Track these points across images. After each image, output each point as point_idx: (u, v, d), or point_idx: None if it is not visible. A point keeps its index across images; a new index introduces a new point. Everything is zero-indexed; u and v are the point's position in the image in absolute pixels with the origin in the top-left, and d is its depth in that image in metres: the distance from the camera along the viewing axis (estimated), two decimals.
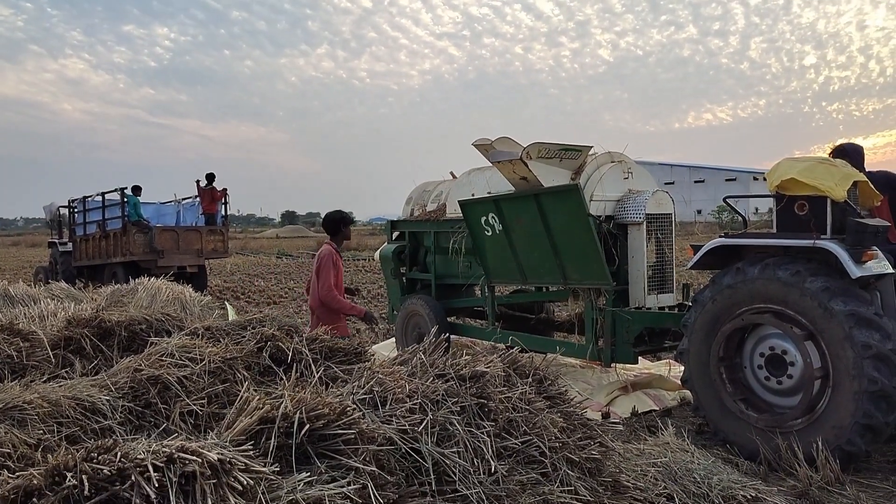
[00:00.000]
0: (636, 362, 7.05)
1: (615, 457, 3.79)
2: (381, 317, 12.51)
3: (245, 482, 2.23)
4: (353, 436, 2.62)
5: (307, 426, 2.56)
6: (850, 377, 4.67)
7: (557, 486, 3.24)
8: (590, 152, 7.14)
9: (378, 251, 9.80)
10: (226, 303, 11.26)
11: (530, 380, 3.69)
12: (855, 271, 4.68)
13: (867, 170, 5.50)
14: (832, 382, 4.79)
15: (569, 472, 3.37)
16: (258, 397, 2.71)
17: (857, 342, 4.61)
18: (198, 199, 18.20)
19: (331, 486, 2.46)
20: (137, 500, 2.03)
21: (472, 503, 2.88)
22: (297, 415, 2.60)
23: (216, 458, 2.18)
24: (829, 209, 4.95)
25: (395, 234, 9.50)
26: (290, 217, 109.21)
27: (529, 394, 3.58)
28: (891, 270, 4.90)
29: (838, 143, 5.69)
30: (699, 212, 51.52)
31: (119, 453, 2.16)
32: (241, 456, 2.32)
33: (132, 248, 16.13)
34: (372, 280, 20.07)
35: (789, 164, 5.09)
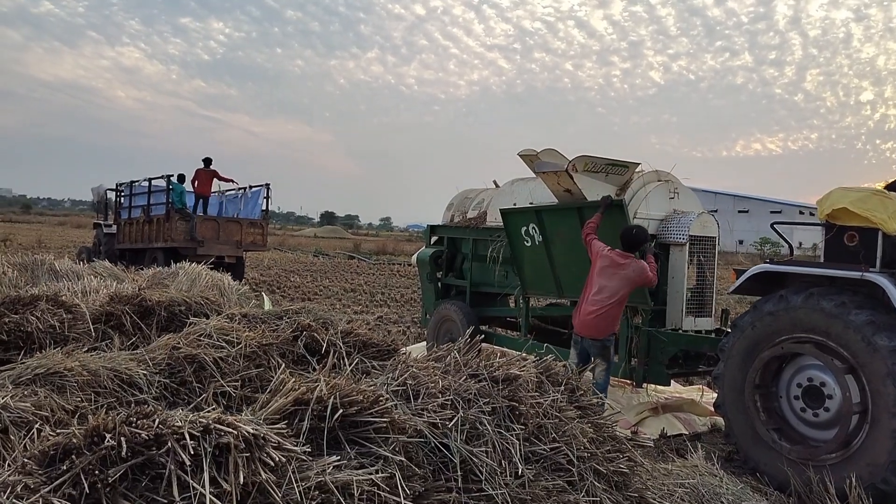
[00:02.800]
0: (668, 384, 6.97)
1: (643, 473, 3.75)
2: (414, 321, 12.57)
3: (277, 459, 2.25)
4: (384, 425, 2.63)
5: (340, 411, 2.58)
6: (890, 415, 4.54)
7: (583, 496, 3.22)
8: (637, 169, 7.09)
9: (415, 254, 9.84)
10: (262, 293, 11.39)
11: (563, 388, 3.67)
12: None
13: None
14: (870, 419, 4.67)
15: (595, 483, 3.34)
16: (294, 380, 2.75)
17: None
18: (241, 191, 18.45)
19: (359, 471, 2.48)
20: (172, 466, 2.07)
21: (496, 502, 2.87)
22: (332, 399, 2.63)
23: (251, 433, 2.21)
24: (879, 241, 4.84)
25: (434, 238, 9.53)
26: (328, 218, 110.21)
27: (561, 402, 3.56)
28: None
29: (892, 179, 5.56)
30: (741, 242, 50.67)
31: (157, 420, 2.20)
32: (275, 434, 2.35)
33: (174, 234, 16.41)
34: (406, 285, 20.15)
35: (842, 193, 4.99)
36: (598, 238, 6.14)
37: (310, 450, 2.50)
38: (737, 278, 5.54)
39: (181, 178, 17.11)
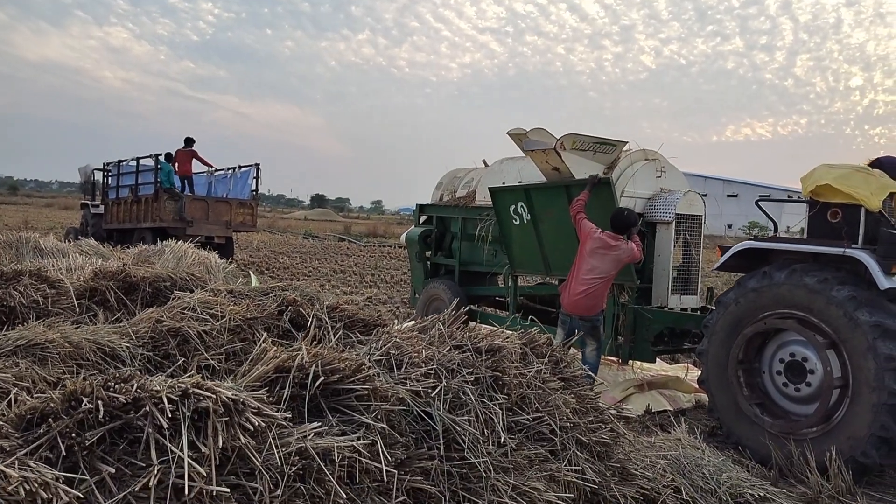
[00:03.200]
0: (654, 361, 7.02)
1: (625, 444, 3.78)
2: (404, 301, 12.57)
3: (257, 424, 2.26)
4: (366, 392, 2.64)
5: (321, 378, 2.59)
6: (871, 389, 4.60)
7: (565, 465, 3.24)
8: (624, 148, 7.09)
9: (404, 234, 9.84)
10: (250, 272, 11.37)
11: (546, 360, 3.69)
12: (884, 282, 4.61)
13: None
14: (851, 393, 4.73)
15: (578, 452, 3.36)
16: (275, 348, 2.75)
17: (881, 354, 4.54)
18: (230, 171, 18.36)
19: (341, 438, 2.49)
20: (150, 430, 2.07)
21: (479, 471, 2.89)
22: (313, 367, 2.63)
23: (230, 398, 2.22)
24: (862, 218, 4.87)
25: (423, 218, 9.52)
26: (319, 200, 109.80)
27: (545, 373, 3.58)
28: None
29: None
30: (730, 226, 50.85)
31: (136, 385, 2.20)
32: (255, 399, 2.35)
33: (162, 214, 16.34)
34: (396, 266, 20.15)
35: (825, 170, 5.02)
36: (587, 216, 6.16)
37: (291, 416, 2.50)
38: (722, 255, 5.57)
39: (169, 157, 17.00)
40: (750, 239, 5.55)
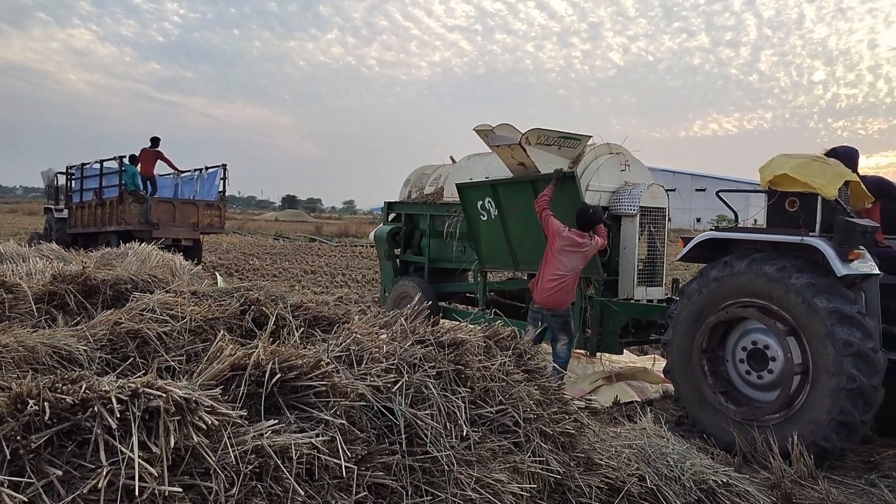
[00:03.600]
0: (621, 353, 7.08)
1: (590, 434, 3.80)
2: (374, 300, 12.51)
3: (210, 422, 2.23)
4: (324, 389, 2.62)
5: (278, 375, 2.56)
6: (830, 374, 4.68)
7: (529, 457, 3.25)
8: (589, 142, 7.14)
9: (373, 232, 9.81)
10: (216, 273, 11.25)
11: (510, 352, 3.69)
12: (840, 269, 4.69)
13: (861, 174, 5.49)
14: (811, 379, 4.81)
15: (541, 444, 3.37)
16: (231, 346, 2.72)
17: (839, 339, 4.62)
18: (197, 171, 18.13)
19: (299, 435, 2.46)
20: (99, 431, 2.04)
21: (442, 465, 2.88)
22: (270, 364, 2.60)
23: (182, 397, 2.18)
24: (819, 207, 4.96)
25: (392, 215, 9.50)
26: (290, 201, 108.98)
27: (508, 365, 3.58)
28: (876, 271, 4.90)
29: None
30: (699, 220, 51.48)
31: (84, 385, 2.16)
32: (208, 398, 2.32)
33: (128, 217, 16.08)
34: (367, 266, 20.07)
35: (783, 160, 5.09)
36: (553, 212, 6.20)
37: (248, 415, 2.47)
38: (684, 246, 5.63)
39: (133, 159, 16.73)
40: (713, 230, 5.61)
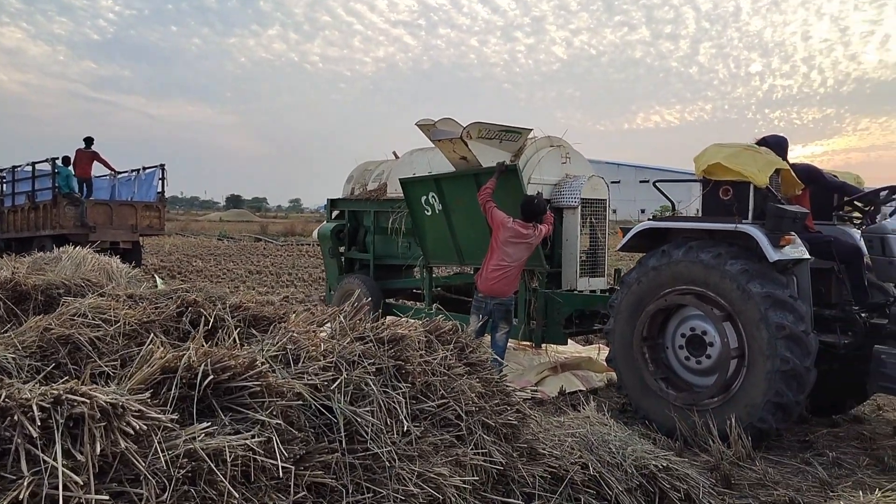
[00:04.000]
0: (566, 343, 7.16)
1: (532, 424, 3.83)
2: (321, 299, 12.39)
3: (138, 427, 2.16)
4: (259, 389, 2.57)
5: (210, 377, 2.50)
6: (764, 357, 4.82)
7: (472, 449, 3.25)
8: (529, 135, 7.19)
9: (316, 230, 9.70)
10: (155, 275, 10.97)
11: (452, 346, 3.69)
12: (772, 255, 4.83)
13: (791, 162, 5.65)
14: (747, 362, 4.94)
15: (484, 436, 3.38)
16: (162, 349, 2.64)
17: (772, 323, 4.76)
18: (134, 172, 17.67)
19: (233, 437, 2.41)
20: (19, 440, 1.96)
21: (383, 461, 2.87)
22: (202, 366, 2.54)
23: (107, 402, 2.12)
24: (751, 194, 5.09)
25: (335, 213, 9.41)
26: (235, 201, 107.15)
27: (450, 359, 3.58)
28: (807, 256, 5.06)
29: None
30: (643, 211, 52.51)
31: (3, 394, 2.07)
32: (136, 402, 2.25)
33: (62, 220, 15.56)
34: (314, 265, 19.87)
35: (716, 149, 5.21)
36: (496, 204, 6.24)
37: (180, 418, 2.41)
38: (624, 237, 5.72)
39: (66, 160, 16.18)
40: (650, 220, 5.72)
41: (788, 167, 5.33)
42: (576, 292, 6.89)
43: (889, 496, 2.92)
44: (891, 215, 5.14)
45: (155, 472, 2.20)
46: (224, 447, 2.35)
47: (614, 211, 7.32)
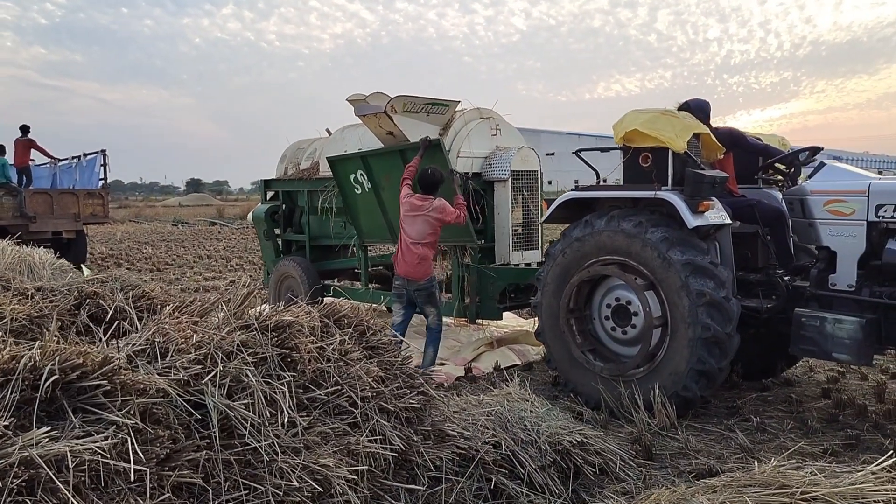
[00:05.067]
0: (501, 318, 7.07)
1: (440, 406, 3.72)
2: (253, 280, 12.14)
3: None
4: (111, 388, 2.41)
5: (54, 378, 2.33)
6: (686, 325, 4.76)
7: (366, 437, 3.13)
8: (457, 108, 7.03)
9: (251, 212, 9.46)
10: (82, 266, 10.64)
11: (351, 330, 3.55)
12: (691, 221, 4.76)
13: (713, 126, 5.58)
14: (670, 331, 4.88)
15: (382, 421, 3.26)
16: (8, 349, 2.46)
17: (692, 290, 4.70)
18: (75, 159, 17.11)
19: (79, 441, 2.25)
20: None
21: (262, 455, 2.73)
22: (49, 366, 2.36)
23: None
24: (670, 160, 5.00)
25: (270, 194, 9.18)
26: (195, 185, 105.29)
27: (348, 344, 3.44)
28: (728, 221, 5.00)
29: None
30: (604, 180, 52.77)
31: None
32: None
33: (0, 212, 15.02)
34: (256, 248, 19.53)
35: (633, 115, 5.11)
36: (410, 183, 6.06)
37: (17, 423, 2.24)
38: (548, 208, 5.61)
39: (2, 150, 15.58)
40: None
41: (708, 131, 5.25)
42: (512, 266, 6.80)
43: (783, 465, 2.87)
44: (810, 177, 5.09)
45: None
46: (66, 452, 2.18)
47: (549, 182, 7.20)
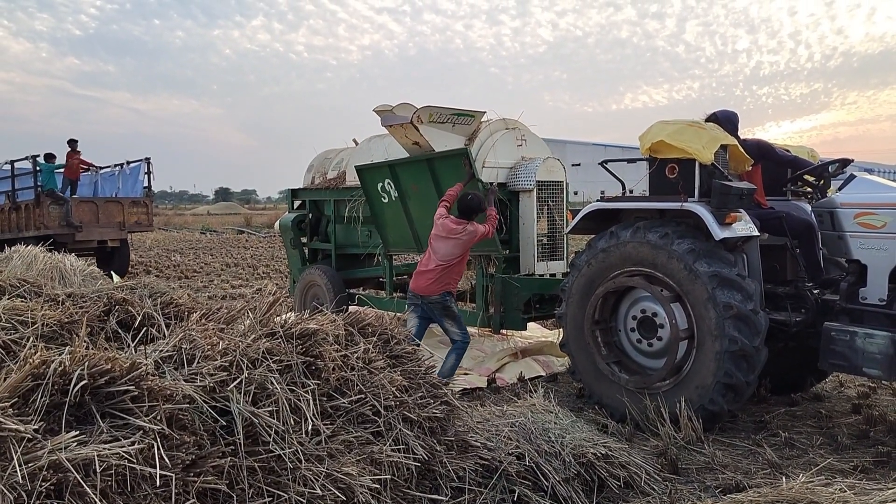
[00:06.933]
0: (525, 329, 7.05)
1: (464, 416, 3.71)
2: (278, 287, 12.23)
3: None
4: (139, 393, 2.44)
5: (83, 383, 2.37)
6: (713, 338, 4.71)
7: (389, 446, 3.13)
8: (483, 118, 7.05)
9: (278, 221, 9.55)
10: (112, 272, 10.80)
11: (375, 339, 3.57)
12: (718, 233, 4.71)
13: (741, 138, 5.53)
14: (697, 343, 4.83)
15: (405, 430, 3.27)
16: (39, 353, 2.51)
17: (720, 303, 4.65)
18: (118, 167, 17.29)
19: (108, 445, 2.28)
20: None
21: (286, 463, 2.74)
22: (78, 371, 2.41)
23: None
24: (697, 172, 4.96)
25: (297, 203, 9.27)
26: (223, 194, 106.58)
27: (372, 353, 3.45)
28: (756, 233, 4.94)
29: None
30: (631, 191, 52.45)
31: None
32: None
33: (47, 221, 15.03)
34: (282, 256, 19.68)
35: (660, 127, 5.08)
36: (448, 205, 6.02)
37: (50, 427, 2.28)
38: (573, 219, 5.60)
39: (49, 157, 15.61)
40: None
41: (736, 143, 5.20)
42: (535, 276, 6.78)
43: (812, 481, 2.82)
44: (840, 189, 5.01)
45: (13, 486, 2.08)
46: (94, 457, 2.22)
47: (575, 193, 7.19)
